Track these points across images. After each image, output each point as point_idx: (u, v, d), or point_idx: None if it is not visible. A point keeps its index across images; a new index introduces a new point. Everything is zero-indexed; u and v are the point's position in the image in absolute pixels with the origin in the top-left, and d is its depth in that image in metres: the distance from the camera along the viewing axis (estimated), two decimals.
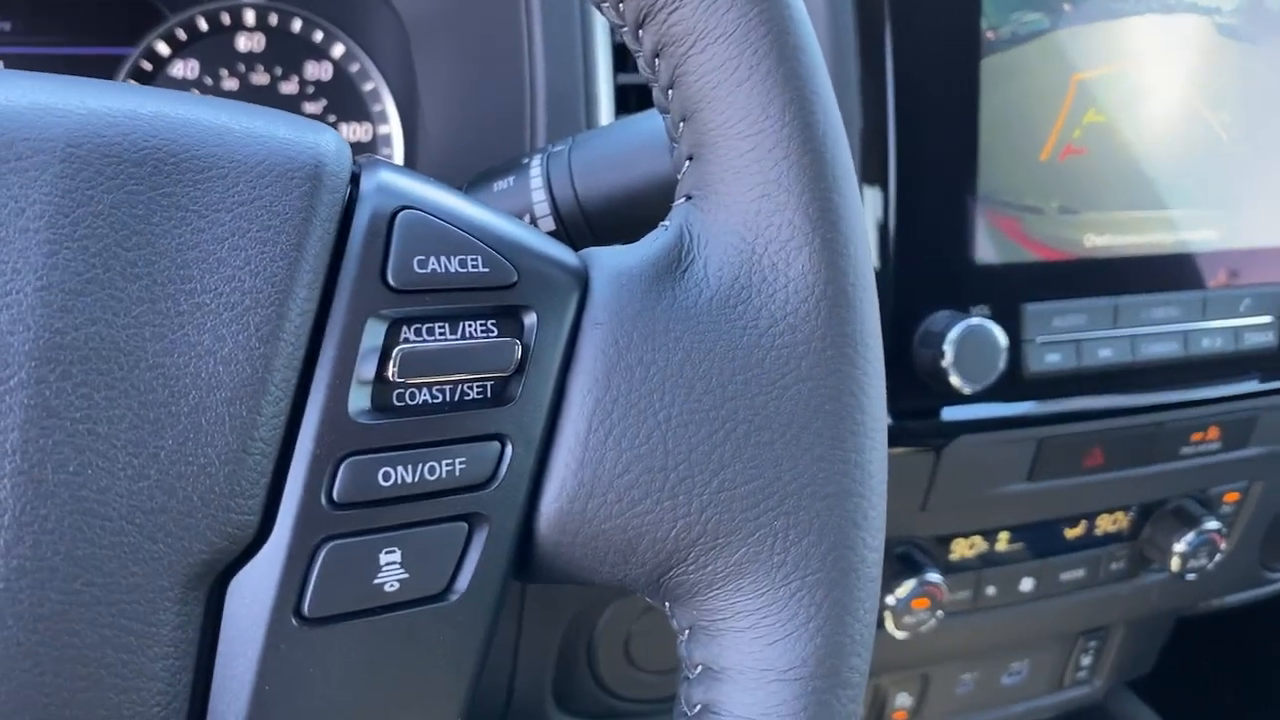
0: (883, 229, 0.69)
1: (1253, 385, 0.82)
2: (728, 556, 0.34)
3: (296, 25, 0.79)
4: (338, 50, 0.80)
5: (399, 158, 0.80)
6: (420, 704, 0.32)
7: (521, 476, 0.33)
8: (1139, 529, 0.91)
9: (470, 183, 0.56)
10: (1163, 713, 1.14)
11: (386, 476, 0.30)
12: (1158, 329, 0.77)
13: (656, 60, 0.36)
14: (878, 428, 0.35)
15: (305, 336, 0.30)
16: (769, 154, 0.34)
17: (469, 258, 0.32)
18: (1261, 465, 0.91)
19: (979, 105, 0.70)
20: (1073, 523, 0.88)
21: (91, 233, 0.27)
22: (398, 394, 0.31)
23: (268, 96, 0.79)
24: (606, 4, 0.36)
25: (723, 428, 0.34)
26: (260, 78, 0.79)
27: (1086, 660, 1.03)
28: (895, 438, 0.65)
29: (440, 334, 0.32)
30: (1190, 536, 0.88)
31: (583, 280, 0.34)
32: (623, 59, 0.65)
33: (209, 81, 0.78)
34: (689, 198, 0.36)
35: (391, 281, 0.31)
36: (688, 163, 0.36)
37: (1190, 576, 0.89)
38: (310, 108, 0.79)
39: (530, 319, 0.33)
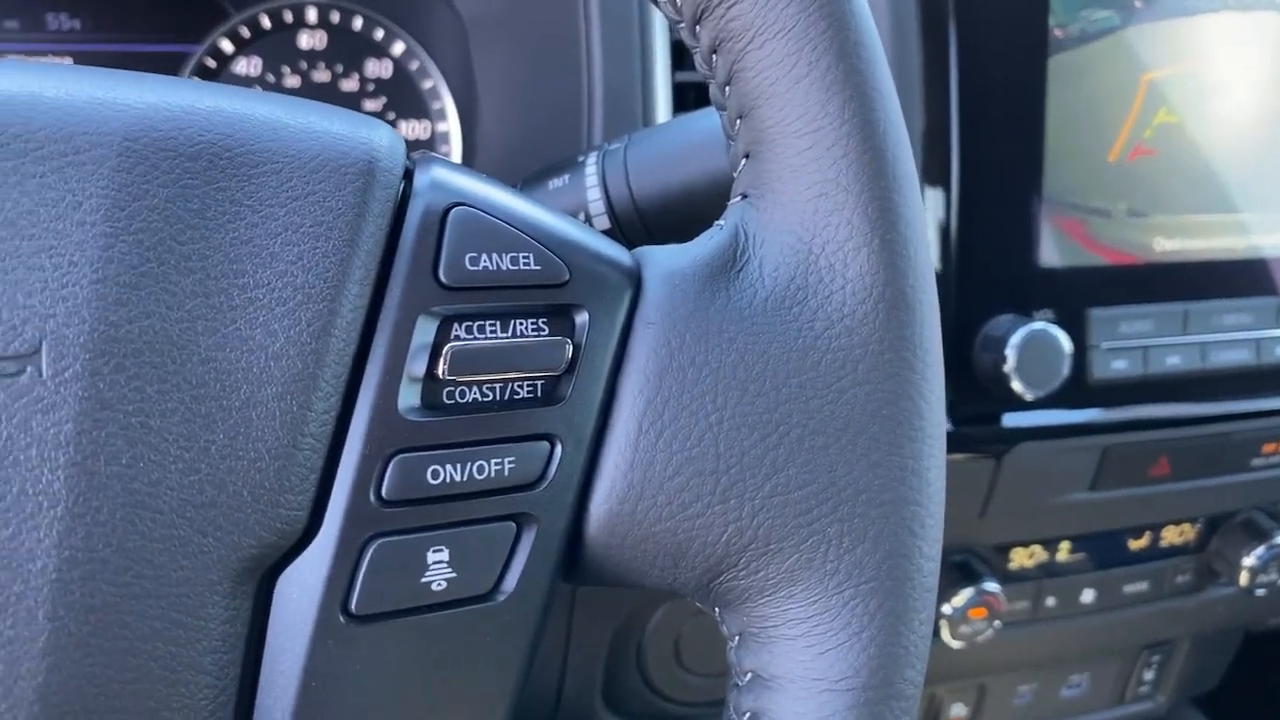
0: (944, 230, 0.67)
1: None
2: (779, 563, 0.33)
3: (358, 23, 0.80)
4: (398, 48, 0.81)
5: (457, 155, 0.81)
6: (467, 704, 0.32)
7: (571, 477, 0.32)
8: (1206, 541, 0.89)
9: (525, 181, 0.56)
10: None
11: (435, 475, 0.30)
12: (1229, 336, 0.74)
13: (714, 56, 0.35)
14: (936, 433, 0.35)
15: (357, 332, 0.30)
16: (827, 152, 0.33)
17: (521, 255, 0.32)
18: None
19: (1046, 104, 0.69)
20: (1137, 534, 0.86)
21: (147, 226, 0.27)
22: (447, 392, 0.31)
23: (329, 94, 0.80)
24: (666, 1, 0.36)
25: (776, 431, 0.33)
26: (321, 75, 0.80)
27: (1149, 675, 1.01)
28: (955, 444, 0.64)
29: (491, 332, 0.32)
30: (1260, 550, 0.85)
31: (635, 279, 0.34)
32: (680, 56, 0.65)
33: (271, 78, 0.79)
34: (744, 196, 0.36)
35: (443, 278, 0.31)
36: (744, 161, 0.36)
37: (1260, 592, 0.87)
38: (370, 105, 0.80)
39: (582, 318, 0.33)
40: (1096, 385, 0.72)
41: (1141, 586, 0.88)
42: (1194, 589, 0.91)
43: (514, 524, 0.32)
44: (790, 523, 0.33)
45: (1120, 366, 0.72)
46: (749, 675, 0.34)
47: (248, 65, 0.78)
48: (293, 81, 0.79)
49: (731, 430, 0.33)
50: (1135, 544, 0.86)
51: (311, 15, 0.79)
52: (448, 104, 0.81)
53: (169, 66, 0.77)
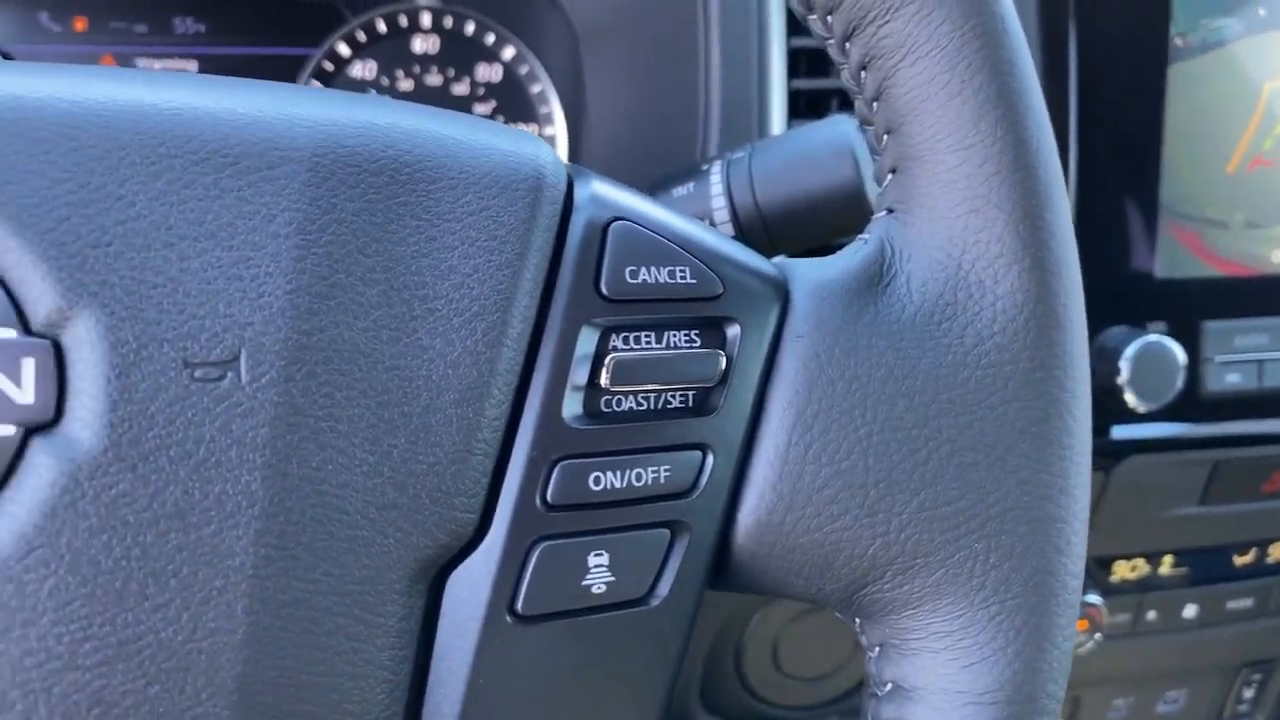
0: None
1: None
2: (925, 577, 0.34)
3: (470, 28, 0.81)
4: (508, 52, 0.82)
5: (563, 159, 0.82)
6: (621, 706, 0.32)
7: (721, 486, 0.33)
8: None
9: (649, 188, 0.57)
10: None
11: (597, 481, 0.31)
12: None
13: (862, 72, 0.36)
14: (1084, 452, 0.35)
15: (525, 342, 0.31)
16: (979, 169, 0.34)
17: (677, 269, 0.33)
18: None
19: (1164, 114, 0.68)
20: (1243, 549, 0.85)
21: (335, 239, 0.29)
22: (605, 400, 0.32)
23: (440, 97, 0.81)
24: (814, 16, 0.36)
25: (925, 446, 0.33)
26: (434, 79, 0.82)
27: (1249, 693, 0.99)
28: None
29: (646, 343, 0.32)
30: None
31: (783, 292, 0.34)
32: (796, 64, 0.65)
33: (385, 82, 0.81)
34: (890, 211, 0.36)
35: (605, 291, 0.32)
36: (890, 176, 0.36)
37: None
38: (480, 109, 0.81)
39: (733, 330, 0.33)
40: (1209, 398, 0.71)
41: (1245, 603, 0.86)
42: None
43: (668, 531, 0.32)
44: (938, 538, 0.33)
45: (1234, 380, 0.71)
46: (889, 685, 0.35)
47: (363, 69, 0.80)
48: (406, 85, 0.81)
49: (880, 444, 0.33)
50: (1241, 560, 0.85)
51: (425, 20, 0.81)
52: (555, 108, 0.82)
53: (288, 70, 0.79)
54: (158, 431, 0.26)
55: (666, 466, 0.32)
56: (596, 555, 0.31)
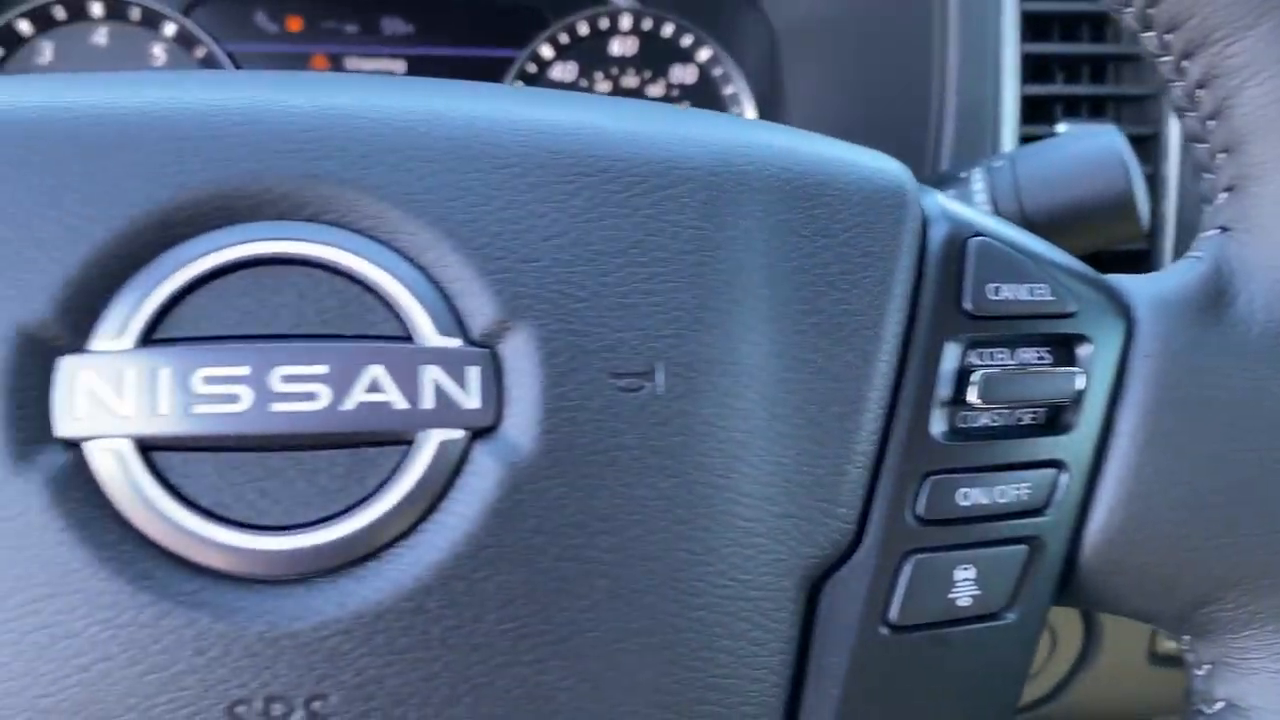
0: None
1: None
2: (1272, 597, 0.33)
3: (668, 30, 0.82)
4: (704, 54, 0.83)
5: None
6: (980, 718, 0.33)
7: (1072, 504, 0.33)
8: None
9: None
10: None
11: (964, 496, 0.31)
12: None
13: (1199, 90, 0.35)
14: None
15: (895, 357, 0.31)
16: None
17: (1036, 286, 0.33)
18: None
19: None
20: None
21: (729, 257, 0.29)
22: (962, 416, 0.32)
23: (636, 99, 0.82)
24: (1150, 34, 0.36)
25: (1276, 467, 0.33)
26: (630, 80, 0.83)
27: None
28: None
29: (1000, 359, 0.33)
30: None
31: (1126, 310, 0.34)
32: (1029, 69, 0.65)
33: (584, 84, 0.82)
34: (1224, 229, 0.36)
35: (968, 306, 0.32)
36: (1225, 194, 0.36)
37: None
38: None
39: (1084, 349, 0.34)
40: None
41: None
42: None
43: (1026, 547, 0.33)
44: None
45: None
46: (1221, 704, 0.35)
47: (563, 70, 0.82)
48: (604, 87, 0.82)
49: (1231, 465, 0.33)
50: None
51: (625, 22, 0.82)
52: (748, 110, 0.83)
53: (493, 71, 0.80)
54: (588, 438, 0.27)
55: (1027, 484, 0.32)
56: (963, 569, 0.32)
